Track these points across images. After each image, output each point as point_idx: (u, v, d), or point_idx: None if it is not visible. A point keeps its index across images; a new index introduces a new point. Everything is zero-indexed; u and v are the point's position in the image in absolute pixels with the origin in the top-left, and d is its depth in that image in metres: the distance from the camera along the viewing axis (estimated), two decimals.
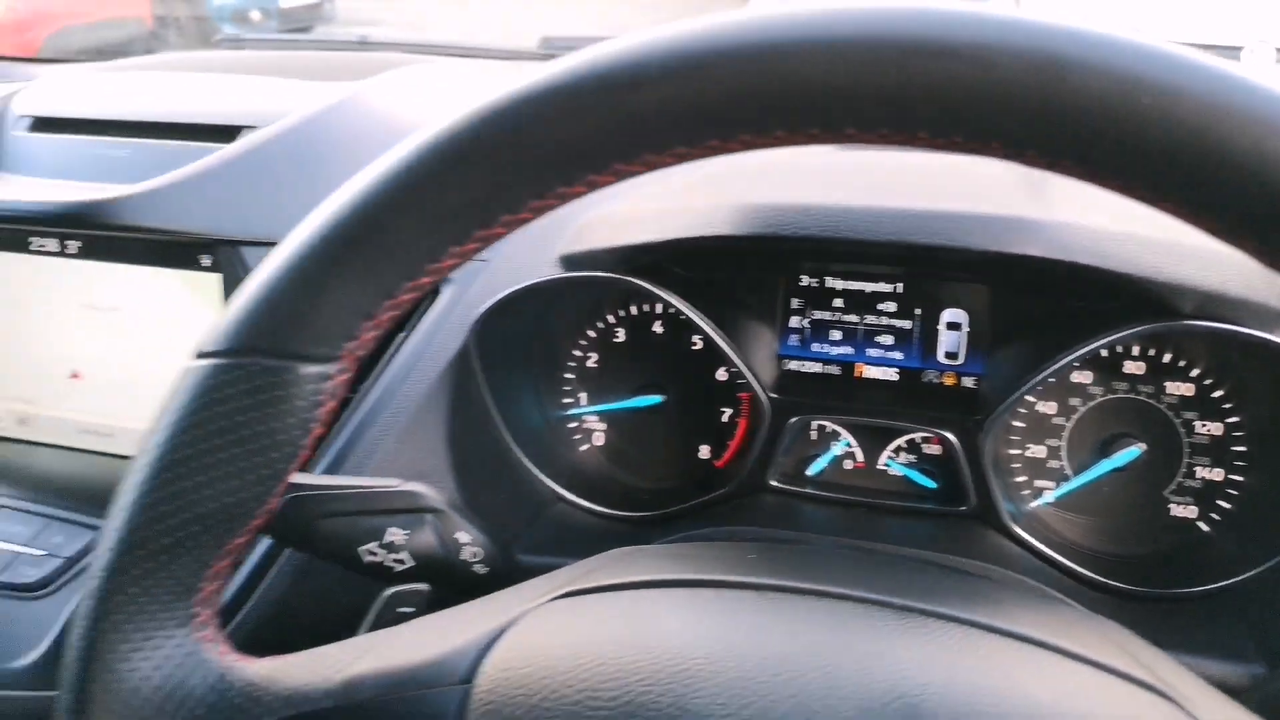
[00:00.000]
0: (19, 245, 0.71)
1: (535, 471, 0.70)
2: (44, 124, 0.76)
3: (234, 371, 0.36)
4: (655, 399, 0.73)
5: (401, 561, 0.48)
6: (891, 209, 0.60)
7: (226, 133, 0.71)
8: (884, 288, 0.69)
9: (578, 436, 0.75)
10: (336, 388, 0.37)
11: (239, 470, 0.36)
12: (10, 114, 0.77)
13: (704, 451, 0.74)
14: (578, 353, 0.74)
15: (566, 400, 0.75)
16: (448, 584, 0.49)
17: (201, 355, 0.37)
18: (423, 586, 0.43)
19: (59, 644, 0.57)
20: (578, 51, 0.32)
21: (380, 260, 0.36)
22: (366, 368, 0.65)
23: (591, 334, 0.74)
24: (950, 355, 0.68)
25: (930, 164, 0.68)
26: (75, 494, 0.67)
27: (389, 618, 0.43)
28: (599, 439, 0.75)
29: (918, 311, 0.68)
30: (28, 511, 0.64)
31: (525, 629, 0.38)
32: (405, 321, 0.66)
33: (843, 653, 0.34)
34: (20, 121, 0.77)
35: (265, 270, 0.37)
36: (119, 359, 0.71)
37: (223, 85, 0.80)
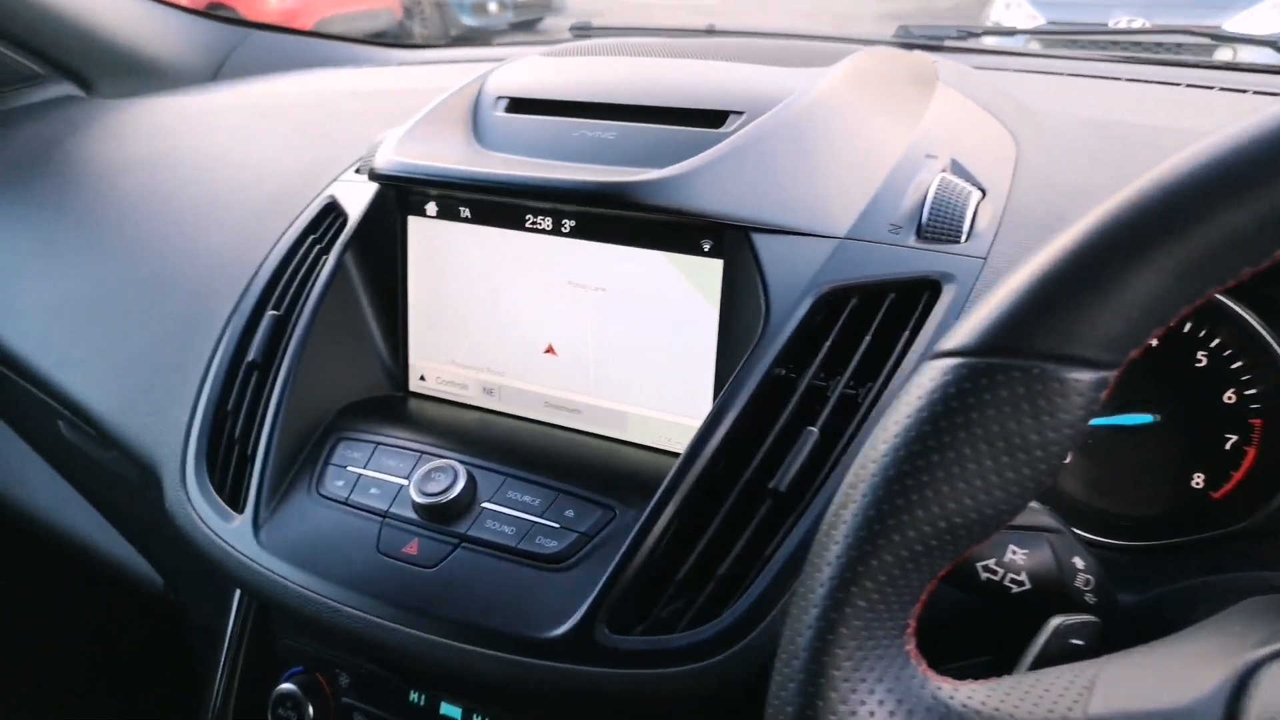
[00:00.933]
0: (515, 222, 0.73)
1: None
2: (522, 105, 0.79)
3: (1004, 373, 0.34)
4: (1146, 418, 0.67)
5: (1020, 583, 0.45)
6: None
7: (715, 118, 0.71)
8: None
9: None
10: (1107, 397, 0.34)
11: (1000, 481, 0.34)
12: (487, 96, 0.81)
13: (1198, 480, 0.67)
14: None
15: None
16: (1043, 612, 0.46)
17: (959, 354, 0.35)
18: (1090, 619, 0.40)
19: (587, 620, 0.58)
20: None
21: (1198, 257, 0.32)
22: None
23: None
24: None
25: None
26: (556, 467, 0.68)
27: (1059, 650, 0.40)
28: (1073, 457, 0.70)
29: None
30: (537, 483, 0.66)
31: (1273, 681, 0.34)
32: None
33: None
34: (498, 103, 0.80)
35: (1042, 266, 0.34)
36: (597, 338, 0.73)
37: (685, 70, 0.80)
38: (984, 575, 0.45)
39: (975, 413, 0.33)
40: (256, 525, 0.69)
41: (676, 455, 0.61)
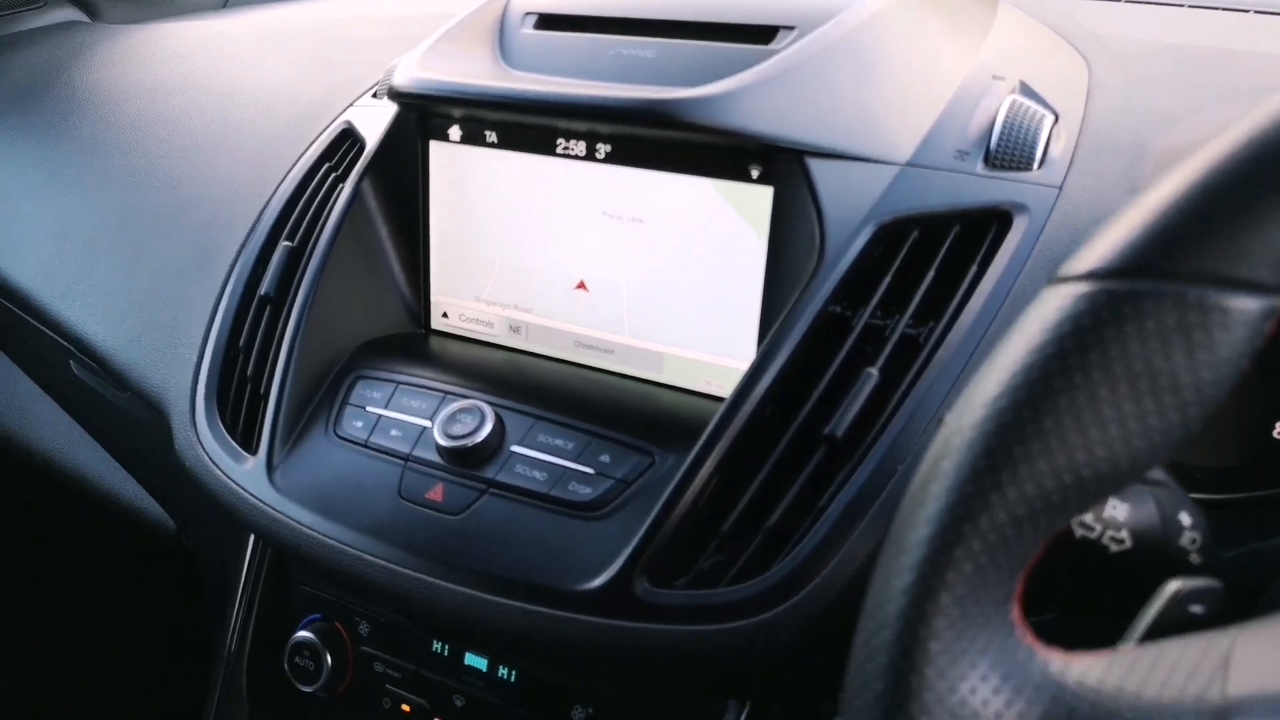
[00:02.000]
0: (545, 147, 0.68)
1: None
2: (551, 22, 0.73)
3: (1152, 299, 0.29)
4: None
5: (1120, 541, 0.41)
6: None
7: (764, 33, 0.65)
8: None
9: None
10: (1274, 330, 0.29)
11: (1141, 428, 0.29)
12: (513, 12, 0.75)
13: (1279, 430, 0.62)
14: None
15: None
16: (1148, 576, 0.41)
17: (1093, 277, 0.30)
18: (1213, 583, 0.35)
19: (625, 572, 0.54)
20: None
21: None
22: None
23: None
24: None
25: None
26: (589, 410, 0.64)
27: (1176, 619, 0.35)
28: None
29: None
30: (569, 426, 0.62)
31: None
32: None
33: None
34: (526, 19, 0.74)
35: (1198, 174, 0.29)
36: (632, 273, 0.68)
37: None
38: (1079, 532, 0.40)
39: (1114, 346, 0.28)
40: (270, 467, 0.65)
41: (717, 399, 0.57)
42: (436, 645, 0.69)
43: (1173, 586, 0.36)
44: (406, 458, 0.63)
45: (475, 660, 0.68)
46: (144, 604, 1.29)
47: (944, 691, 0.30)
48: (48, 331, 0.92)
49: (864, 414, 0.54)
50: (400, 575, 0.58)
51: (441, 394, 0.65)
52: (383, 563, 0.59)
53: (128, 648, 1.30)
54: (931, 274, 0.57)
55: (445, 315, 0.76)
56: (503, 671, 0.67)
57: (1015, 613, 0.32)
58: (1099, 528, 0.40)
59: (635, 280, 0.68)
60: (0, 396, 1.02)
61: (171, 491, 0.88)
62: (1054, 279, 0.31)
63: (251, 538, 0.77)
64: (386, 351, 0.72)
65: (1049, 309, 0.30)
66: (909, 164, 0.61)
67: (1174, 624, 0.35)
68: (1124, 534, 0.40)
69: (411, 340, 0.74)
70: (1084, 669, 0.31)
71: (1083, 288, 0.29)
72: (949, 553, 0.30)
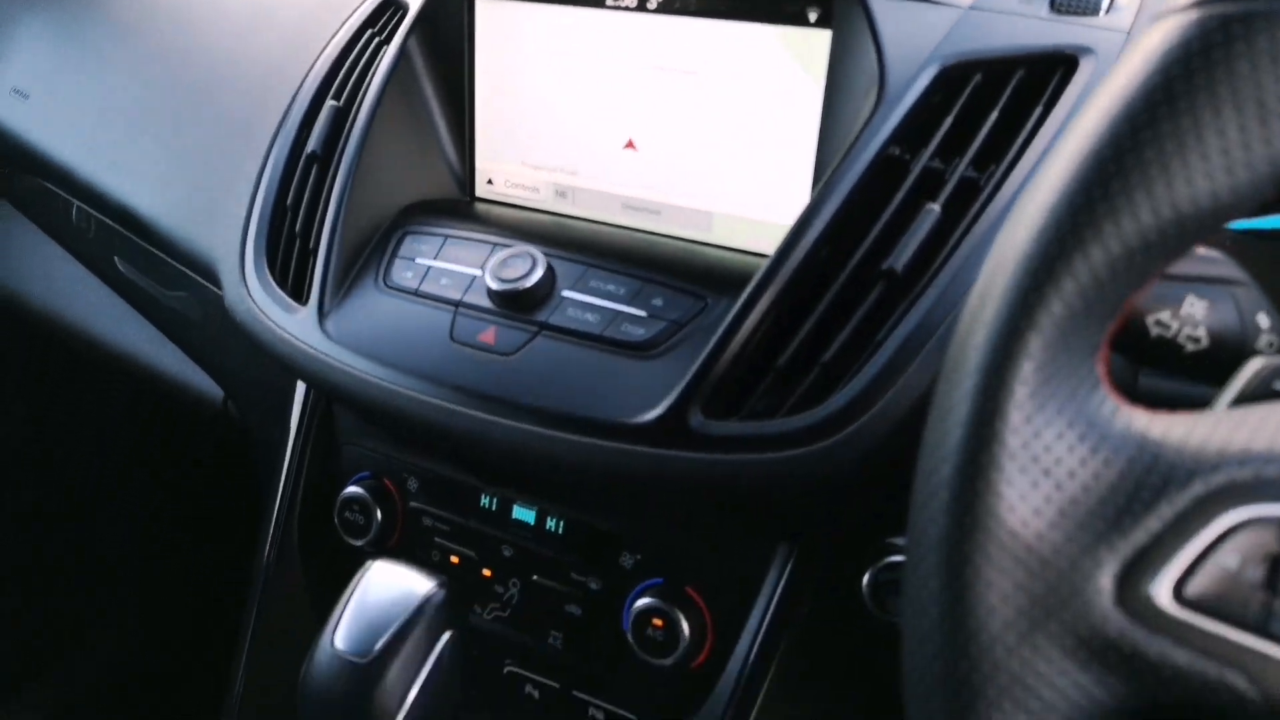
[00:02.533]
0: None
1: None
2: None
3: (1259, 19, 0.28)
4: None
5: (1197, 340, 0.40)
6: None
7: None
8: None
9: None
10: None
11: (1245, 158, 0.28)
12: None
13: None
14: None
15: None
16: (1216, 377, 0.41)
17: (1194, 5, 0.29)
18: None
19: (680, 404, 0.54)
20: None
21: None
22: None
23: None
24: None
25: None
26: (639, 261, 0.64)
27: (1259, 393, 0.35)
28: None
29: None
30: (621, 273, 0.62)
31: None
32: None
33: None
34: None
35: None
36: (683, 129, 0.67)
37: None
38: (1155, 331, 0.40)
39: (1221, 69, 0.27)
40: (321, 315, 0.65)
41: (768, 257, 0.56)
42: (485, 499, 0.70)
43: (1256, 364, 0.35)
44: (458, 303, 0.63)
45: (523, 513, 0.69)
46: (191, 476, 1.32)
47: (1029, 437, 0.30)
48: (94, 214, 0.93)
49: (924, 249, 0.53)
50: (454, 414, 0.59)
51: (491, 245, 0.65)
52: (436, 402, 0.59)
53: (177, 517, 1.33)
54: (994, 117, 0.56)
55: (490, 182, 0.75)
56: (550, 523, 0.68)
57: (1100, 368, 0.32)
58: (1175, 325, 0.40)
59: (685, 136, 0.67)
60: (47, 278, 1.03)
61: (220, 359, 0.89)
62: (1157, 16, 0.30)
63: (298, 400, 0.77)
64: (433, 212, 0.71)
65: (1151, 41, 0.29)
66: (973, 7, 0.59)
67: (1256, 399, 0.35)
68: (1201, 332, 0.40)
69: (457, 204, 0.74)
70: (1168, 425, 0.31)
71: (1188, 15, 0.28)
72: (1041, 294, 0.30)
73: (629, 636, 0.63)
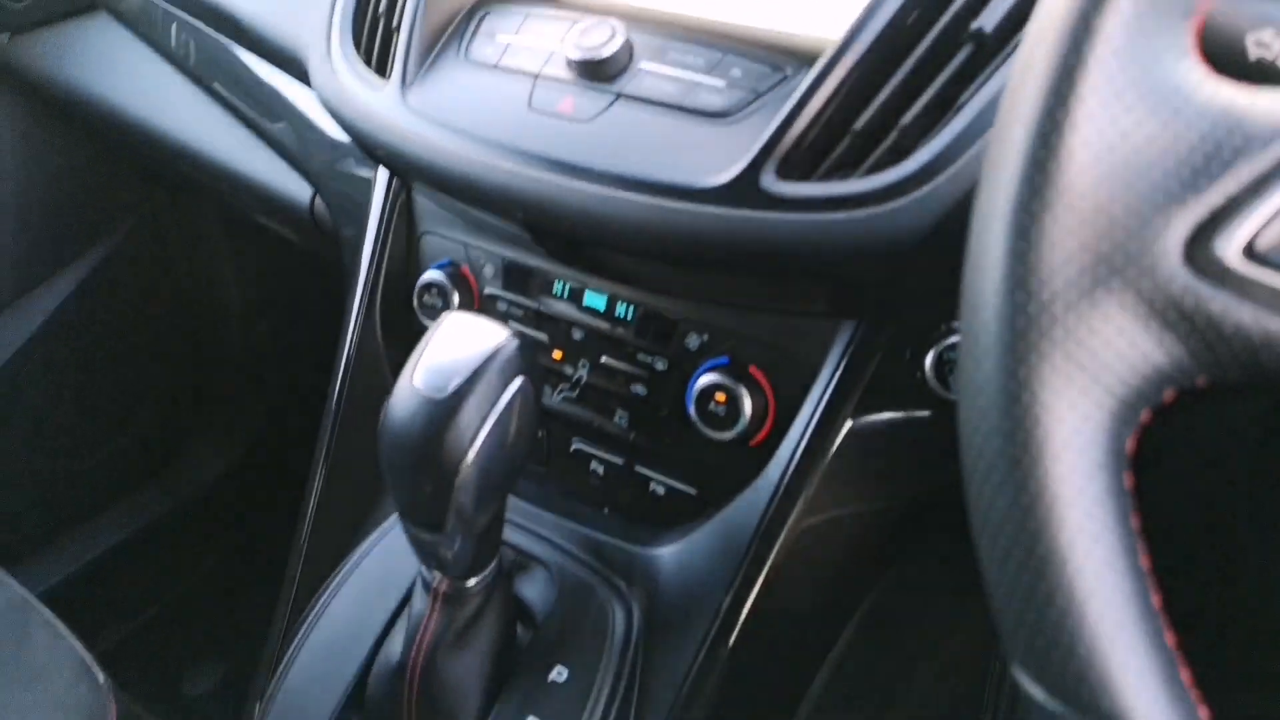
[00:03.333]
0: None
1: None
2: None
3: None
4: None
5: None
6: None
7: None
8: None
9: None
10: None
11: None
12: None
13: None
14: None
15: None
16: None
17: None
18: None
19: (754, 166, 0.54)
20: None
21: None
22: None
23: None
24: None
25: None
26: (721, 34, 0.62)
27: None
28: None
29: None
30: (700, 44, 0.61)
31: None
32: None
33: None
34: None
35: None
36: None
37: None
38: (1254, 53, 0.38)
39: None
40: (404, 89, 0.66)
41: None
42: (558, 286, 0.72)
43: None
44: (536, 75, 0.63)
45: (594, 299, 0.70)
46: (279, 278, 1.40)
47: (1108, 97, 0.30)
48: (193, 32, 0.95)
49: (1015, 8, 0.51)
50: (531, 180, 0.60)
51: (571, 21, 0.65)
52: (513, 168, 0.60)
53: (266, 316, 1.41)
54: None
55: None
56: (620, 309, 0.69)
57: (1190, 37, 0.31)
58: (1277, 45, 0.38)
59: None
60: (141, 89, 1.07)
61: (309, 162, 0.91)
62: None
63: (379, 189, 0.80)
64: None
65: None
66: None
67: None
68: None
69: None
70: (1254, 96, 0.30)
71: None
72: None
73: (692, 412, 0.65)
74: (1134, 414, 0.31)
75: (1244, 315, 0.29)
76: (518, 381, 0.56)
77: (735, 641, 0.65)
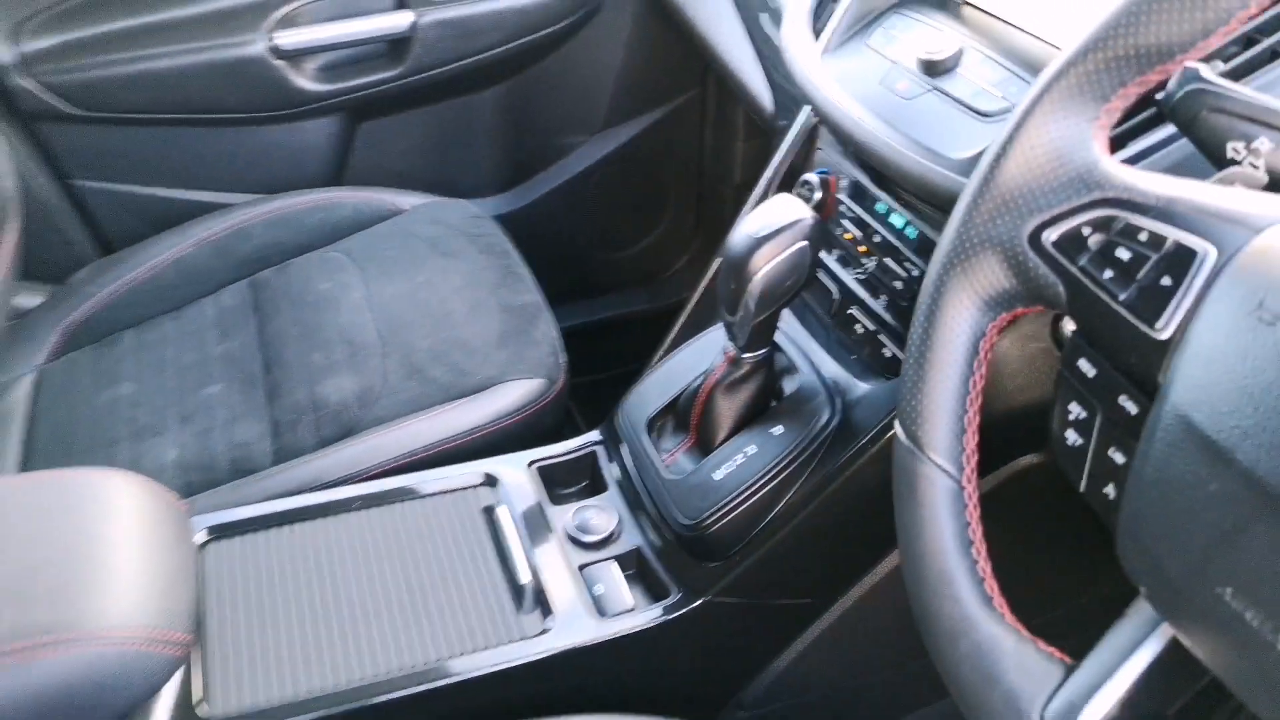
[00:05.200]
0: None
1: None
2: None
3: None
4: None
5: (1256, 168, 0.60)
6: None
7: None
8: None
9: None
10: None
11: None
12: None
13: None
14: None
15: None
16: None
17: None
18: None
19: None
20: None
21: None
22: None
23: None
24: None
25: None
26: None
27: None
28: None
29: None
30: (1001, 61, 0.89)
31: None
32: None
33: None
34: None
35: None
36: None
37: None
38: (1229, 153, 0.60)
39: None
40: (825, 54, 1.03)
41: None
42: (879, 206, 1.06)
43: (1240, 170, 0.56)
44: (894, 61, 0.97)
45: (896, 219, 1.03)
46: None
47: (1035, 138, 0.59)
48: None
49: None
50: (861, 129, 0.95)
51: (940, 30, 0.96)
52: (855, 118, 0.95)
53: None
54: None
55: None
56: (911, 231, 1.01)
57: (1098, 133, 0.58)
58: (1244, 154, 0.59)
59: None
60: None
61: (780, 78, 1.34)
62: None
63: (802, 115, 1.18)
64: (920, 3, 1.03)
65: None
66: None
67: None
68: (1261, 165, 0.59)
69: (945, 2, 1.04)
70: (1122, 169, 0.57)
71: None
72: (1066, 67, 0.57)
73: None
74: (994, 312, 0.61)
75: (1045, 272, 0.58)
76: (803, 243, 0.93)
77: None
